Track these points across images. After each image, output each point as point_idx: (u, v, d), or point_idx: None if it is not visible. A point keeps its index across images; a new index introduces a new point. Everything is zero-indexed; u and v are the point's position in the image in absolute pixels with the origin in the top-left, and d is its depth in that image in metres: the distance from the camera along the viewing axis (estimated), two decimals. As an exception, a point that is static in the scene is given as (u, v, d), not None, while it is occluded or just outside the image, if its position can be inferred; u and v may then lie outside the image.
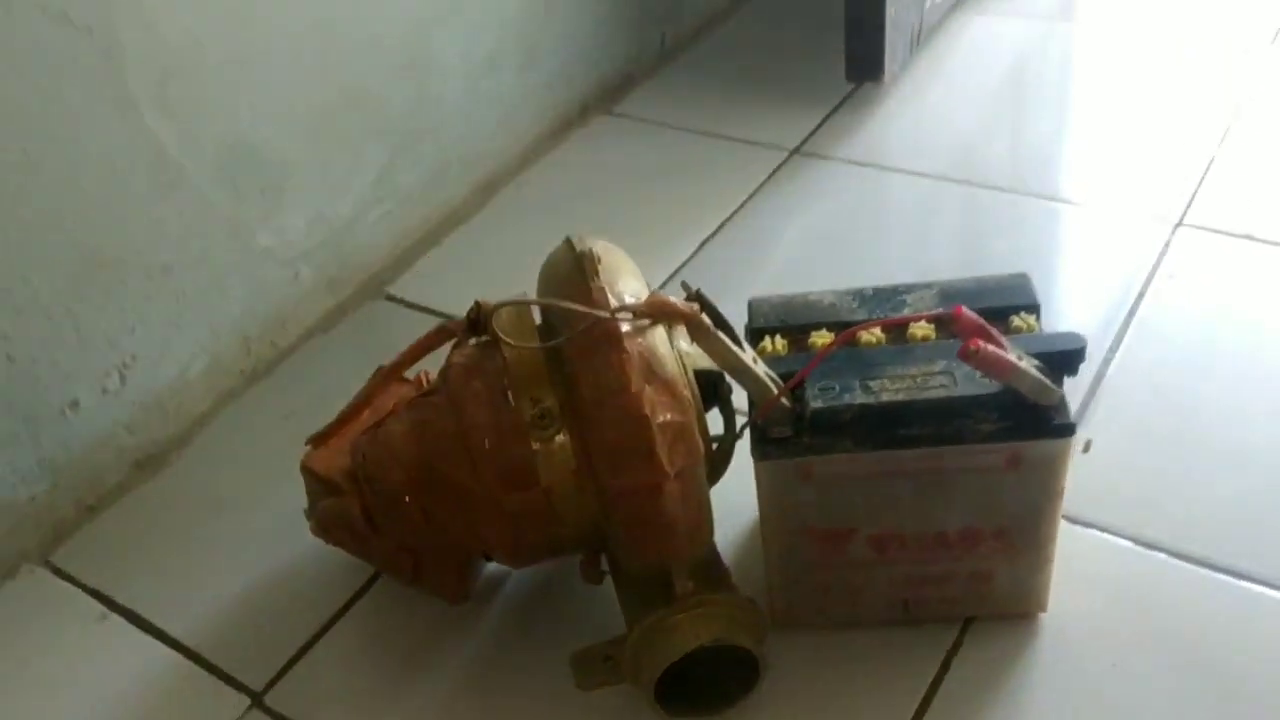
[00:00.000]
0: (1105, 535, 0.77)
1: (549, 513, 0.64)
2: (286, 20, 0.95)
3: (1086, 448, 0.83)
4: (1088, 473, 0.81)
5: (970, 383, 0.61)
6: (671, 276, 1.06)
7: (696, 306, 0.60)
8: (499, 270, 1.07)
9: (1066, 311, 0.95)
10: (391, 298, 1.09)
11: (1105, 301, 0.96)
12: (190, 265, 0.94)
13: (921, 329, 0.65)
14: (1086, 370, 0.88)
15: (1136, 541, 0.77)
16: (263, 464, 0.92)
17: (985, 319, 0.62)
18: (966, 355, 0.56)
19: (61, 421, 0.88)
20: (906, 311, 0.67)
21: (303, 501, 0.78)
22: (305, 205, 1.02)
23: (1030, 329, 0.65)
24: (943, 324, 0.63)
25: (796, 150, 1.20)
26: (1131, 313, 0.94)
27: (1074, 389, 0.87)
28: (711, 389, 0.68)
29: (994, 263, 0.96)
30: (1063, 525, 0.77)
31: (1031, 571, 0.69)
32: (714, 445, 0.68)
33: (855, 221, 1.11)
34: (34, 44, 0.78)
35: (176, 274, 0.93)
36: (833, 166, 1.17)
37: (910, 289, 0.69)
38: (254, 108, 0.95)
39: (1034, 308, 0.67)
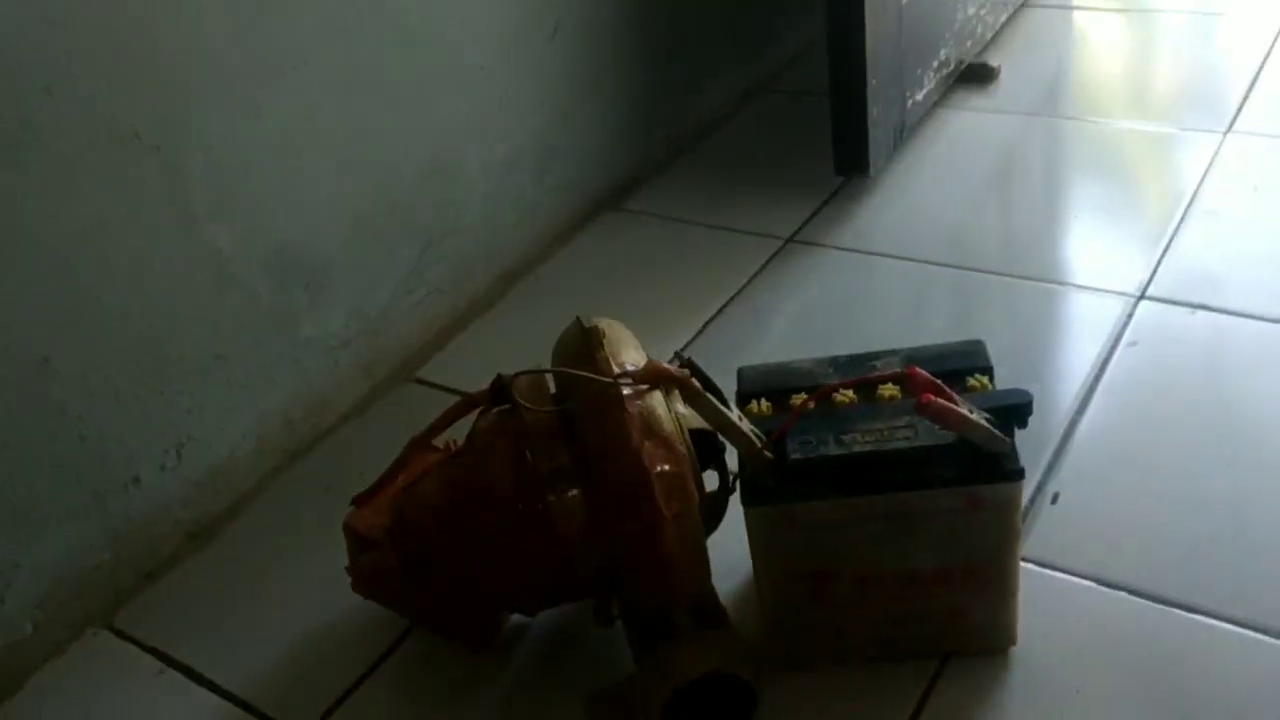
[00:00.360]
0: (1071, 578, 0.85)
1: (564, 558, 0.73)
2: (328, 136, 1.07)
3: (1055, 500, 0.91)
4: (1056, 522, 0.89)
5: (930, 435, 0.70)
6: (684, 348, 1.15)
7: (687, 372, 0.69)
8: (519, 354, 1.15)
9: (1037, 378, 1.03)
10: (421, 381, 1.19)
11: (1073, 368, 1.05)
12: (241, 355, 1.04)
13: (889, 389, 0.74)
14: (1055, 429, 0.98)
15: (1100, 582, 0.84)
16: (305, 533, 1.01)
17: (944, 380, 0.72)
18: (921, 409, 0.65)
19: (125, 496, 0.98)
20: (893, 371, 0.76)
21: (341, 565, 0.87)
22: (344, 299, 1.13)
23: (984, 388, 0.74)
24: (906, 384, 0.72)
25: (791, 239, 1.31)
26: (1097, 377, 1.03)
27: (1043, 446, 0.96)
28: (708, 448, 0.77)
29: (970, 336, 1.06)
30: (1033, 569, 0.85)
31: (1000, 608, 0.77)
32: (711, 497, 0.77)
33: (843, 302, 1.20)
34: (110, 163, 0.90)
35: (229, 363, 1.03)
36: (824, 253, 1.28)
37: (879, 356, 0.78)
38: (299, 215, 1.06)
39: (987, 369, 0.76)
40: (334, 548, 0.87)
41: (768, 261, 1.28)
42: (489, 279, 1.29)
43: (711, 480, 0.79)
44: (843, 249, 1.28)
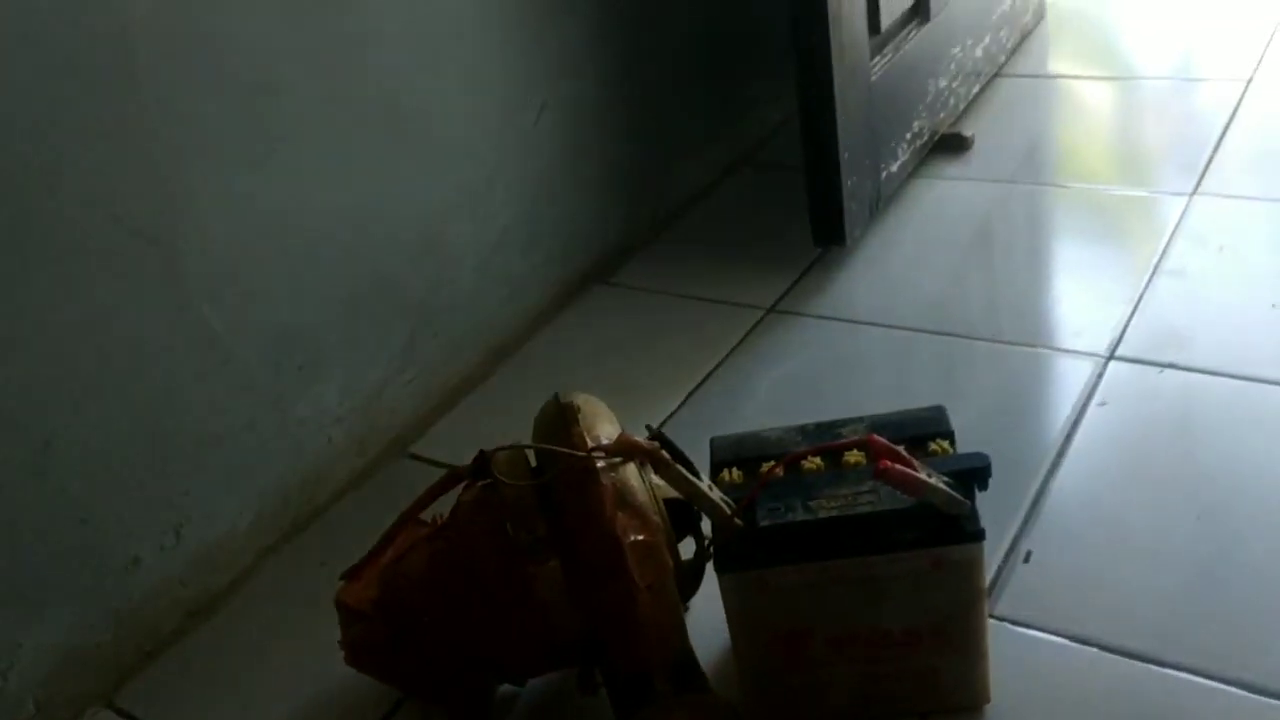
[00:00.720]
0: (1044, 635, 0.87)
1: (546, 628, 0.75)
2: (319, 219, 1.11)
3: (1027, 558, 0.94)
4: (1028, 581, 0.92)
5: (892, 499, 0.73)
6: (662, 424, 1.18)
7: (657, 444, 0.72)
8: (509, 428, 1.18)
9: (1010, 439, 1.06)
10: (414, 456, 1.22)
11: (1046, 429, 1.08)
12: (238, 434, 1.08)
13: (854, 455, 0.77)
14: (1028, 489, 1.00)
15: (1073, 639, 0.86)
16: (301, 608, 1.03)
17: (907, 445, 0.75)
18: (879, 474, 0.68)
19: (125, 576, 1.00)
20: (853, 438, 0.79)
21: (336, 639, 0.89)
22: (337, 378, 1.16)
23: (945, 453, 0.77)
24: (867, 451, 0.75)
25: (772, 309, 1.35)
26: (1069, 438, 1.06)
27: (1015, 506, 0.99)
28: (684, 516, 0.80)
29: (947, 399, 1.09)
30: (1006, 627, 0.88)
31: (970, 666, 0.79)
32: (688, 565, 0.80)
33: (823, 369, 1.24)
34: (109, 253, 0.94)
35: (226, 442, 1.07)
36: (804, 322, 1.31)
37: (845, 423, 0.81)
38: (292, 297, 1.10)
39: (948, 434, 0.79)
40: (330, 622, 0.89)
41: (749, 331, 1.31)
42: (480, 355, 1.33)
43: (690, 548, 0.82)
44: (822, 317, 1.31)
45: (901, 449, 0.73)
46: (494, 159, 1.30)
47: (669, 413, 1.20)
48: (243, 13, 1.01)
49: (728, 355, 1.28)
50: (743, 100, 1.71)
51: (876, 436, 0.71)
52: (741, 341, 1.30)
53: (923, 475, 0.70)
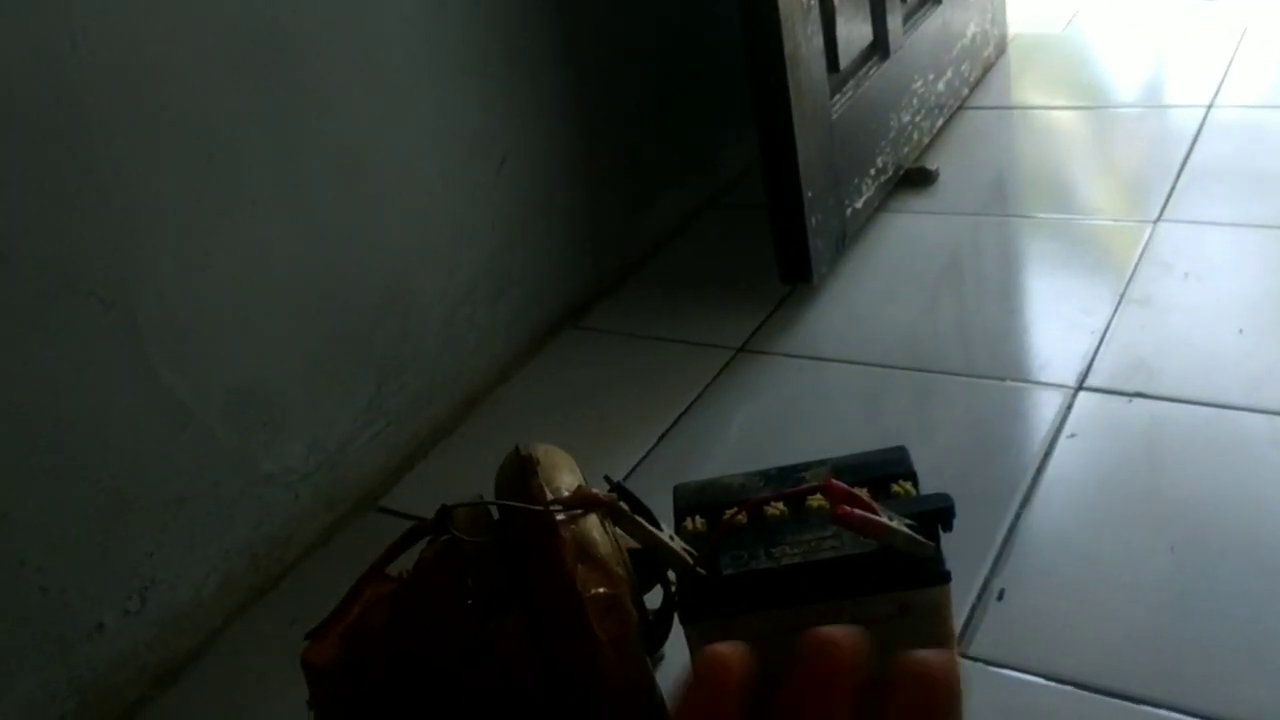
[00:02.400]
0: (1019, 674, 0.86)
1: (508, 685, 0.74)
2: (279, 276, 1.11)
3: (1001, 596, 0.93)
4: (1002, 619, 0.91)
5: (855, 544, 0.72)
6: (634, 468, 1.17)
7: (615, 495, 0.72)
8: (480, 478, 1.18)
9: (981, 474, 1.06)
10: (384, 509, 1.21)
11: (1016, 463, 1.07)
12: (202, 495, 1.06)
13: (816, 500, 0.76)
14: (1000, 525, 1.00)
15: (1047, 678, 0.85)
16: (271, 668, 1.02)
17: (870, 487, 0.74)
18: (838, 520, 0.67)
19: (88, 643, 0.99)
20: (811, 484, 0.78)
21: (306, 699, 0.88)
22: (303, 434, 1.15)
23: (908, 494, 0.76)
24: (828, 496, 0.74)
25: (741, 348, 1.34)
26: (1039, 471, 1.05)
27: (988, 543, 0.98)
28: (651, 566, 0.79)
29: (917, 435, 1.09)
30: (980, 667, 0.87)
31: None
32: (655, 615, 0.78)
33: (794, 408, 1.23)
34: (66, 320, 0.93)
35: (190, 504, 1.05)
36: (774, 361, 1.31)
37: (808, 466, 0.80)
38: (254, 355, 1.09)
39: (910, 475, 0.78)
40: (299, 682, 0.87)
41: (719, 372, 1.31)
42: (448, 406, 1.32)
43: (659, 597, 0.81)
44: (790, 355, 1.31)
45: (864, 492, 0.72)
46: (457, 210, 1.30)
47: (640, 456, 1.19)
48: (197, 73, 1.01)
49: (698, 397, 1.27)
50: (710, 142, 1.72)
51: (835, 481, 0.70)
52: (712, 382, 1.29)
53: (883, 519, 0.69)
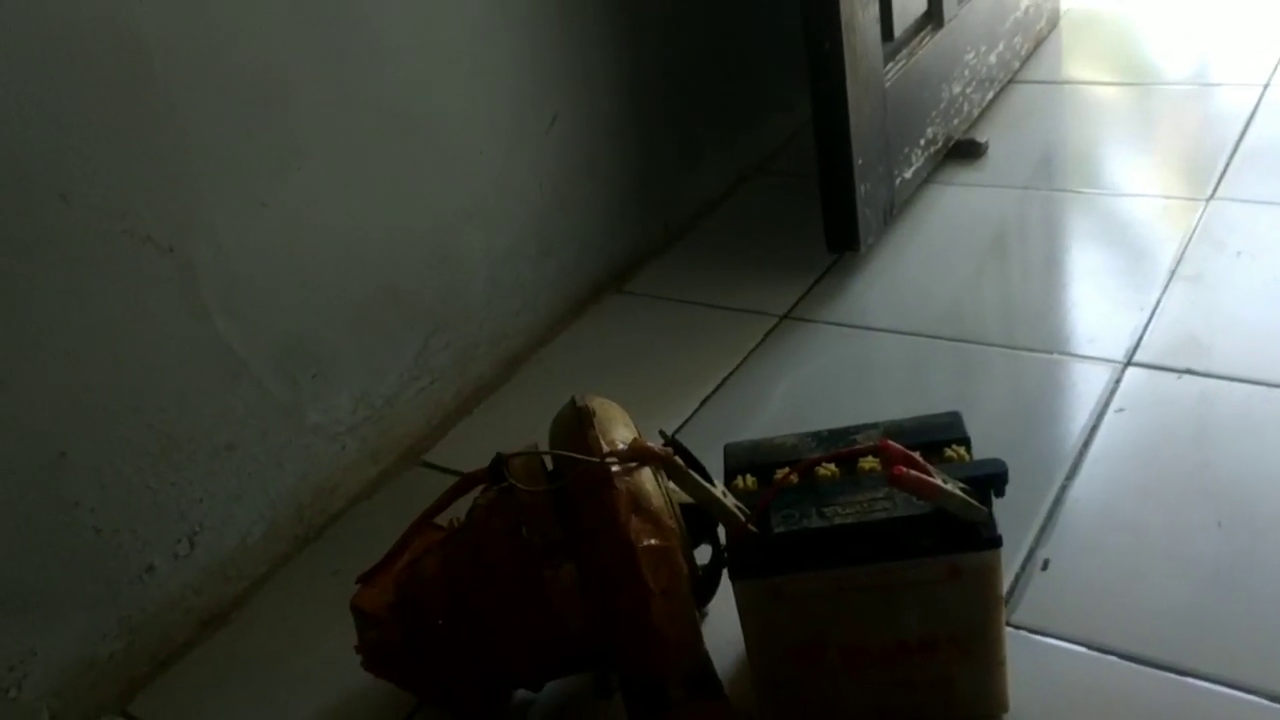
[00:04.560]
0: (1062, 643, 0.86)
1: (561, 632, 0.75)
2: (331, 229, 1.12)
3: (1045, 566, 0.93)
4: (1046, 588, 0.91)
5: (908, 505, 0.72)
6: (676, 431, 1.18)
7: (671, 450, 0.72)
8: (524, 435, 1.19)
9: (1028, 446, 1.05)
10: (428, 464, 1.22)
11: (1063, 436, 1.07)
12: (250, 444, 1.07)
13: (868, 462, 0.76)
14: (1046, 496, 1.00)
15: (1091, 647, 0.85)
16: (315, 616, 1.03)
17: (922, 451, 0.75)
18: (893, 480, 0.68)
19: (139, 585, 1.00)
20: (866, 444, 0.78)
21: (351, 645, 0.89)
22: (350, 387, 1.16)
23: (961, 459, 0.76)
24: (881, 457, 0.75)
25: (786, 315, 1.34)
26: (1086, 444, 1.05)
27: (1033, 513, 0.98)
28: (701, 523, 0.80)
29: (962, 406, 1.09)
30: (1024, 635, 0.87)
31: (987, 674, 0.78)
32: (705, 570, 0.79)
33: (838, 376, 1.23)
34: (123, 263, 0.94)
35: (239, 451, 1.07)
36: (818, 329, 1.31)
37: (860, 429, 0.80)
38: (305, 306, 1.10)
39: (964, 440, 0.78)
40: (344, 629, 0.89)
41: (764, 338, 1.31)
42: (493, 364, 1.32)
43: (707, 554, 0.81)
44: (835, 324, 1.31)
45: (917, 455, 0.73)
46: (505, 167, 1.30)
47: (684, 419, 1.20)
48: (257, 23, 1.01)
49: (742, 362, 1.27)
50: (757, 107, 1.71)
51: (890, 442, 0.70)
52: (756, 348, 1.29)
53: (938, 481, 0.69)
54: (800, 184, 1.55)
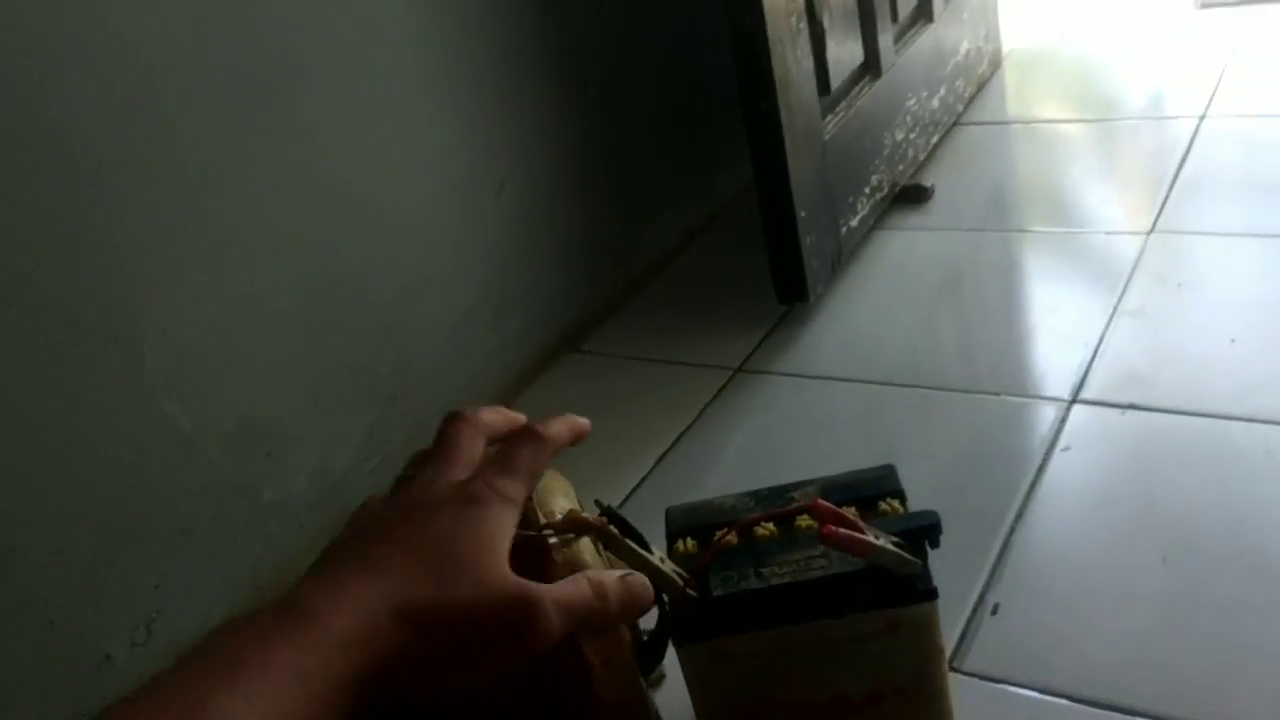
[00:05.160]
0: (1012, 689, 0.87)
1: (502, 711, 0.75)
2: (279, 306, 1.12)
3: (995, 610, 0.93)
4: (996, 634, 0.91)
5: (844, 562, 0.73)
6: (634, 489, 1.18)
7: (605, 520, 0.73)
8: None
9: (976, 490, 1.06)
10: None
11: (1011, 478, 1.08)
12: (206, 526, 1.08)
13: (805, 520, 0.77)
14: (994, 541, 1.01)
15: (1041, 691, 0.86)
16: (274, 697, 1.03)
17: (858, 506, 0.75)
18: (824, 540, 0.68)
19: (96, 676, 1.00)
20: (798, 504, 0.79)
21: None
22: (306, 464, 1.17)
23: (895, 511, 0.77)
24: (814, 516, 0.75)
25: (739, 368, 1.35)
26: (1033, 486, 1.06)
27: (983, 558, 0.99)
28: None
29: (912, 451, 1.10)
30: (975, 682, 0.87)
31: (936, 725, 0.79)
32: (650, 637, 0.79)
33: (792, 427, 1.24)
34: (69, 355, 0.95)
35: (194, 534, 1.07)
36: (771, 380, 1.32)
37: (798, 486, 0.81)
38: (256, 384, 1.11)
39: (898, 492, 0.79)
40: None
41: (718, 393, 1.32)
42: (450, 430, 1.33)
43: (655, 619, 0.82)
44: (788, 374, 1.32)
45: (851, 510, 0.74)
46: (457, 234, 1.32)
47: (640, 478, 1.20)
48: (191, 107, 1.03)
49: (697, 418, 1.29)
50: (710, 160, 1.73)
51: (821, 501, 0.71)
52: (710, 403, 1.31)
53: (869, 537, 0.70)
54: (754, 235, 1.56)
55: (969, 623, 0.92)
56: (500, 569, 0.54)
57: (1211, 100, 1.76)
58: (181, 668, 0.44)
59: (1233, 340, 1.19)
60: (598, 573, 0.63)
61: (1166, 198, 1.51)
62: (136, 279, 1.00)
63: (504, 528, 0.56)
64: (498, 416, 0.63)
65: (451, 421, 0.62)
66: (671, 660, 0.83)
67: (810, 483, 0.82)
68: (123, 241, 0.99)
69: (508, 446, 0.62)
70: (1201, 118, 1.71)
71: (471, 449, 0.60)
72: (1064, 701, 0.85)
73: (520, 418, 0.62)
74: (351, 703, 0.46)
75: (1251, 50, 1.91)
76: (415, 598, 0.50)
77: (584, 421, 0.62)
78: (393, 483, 0.59)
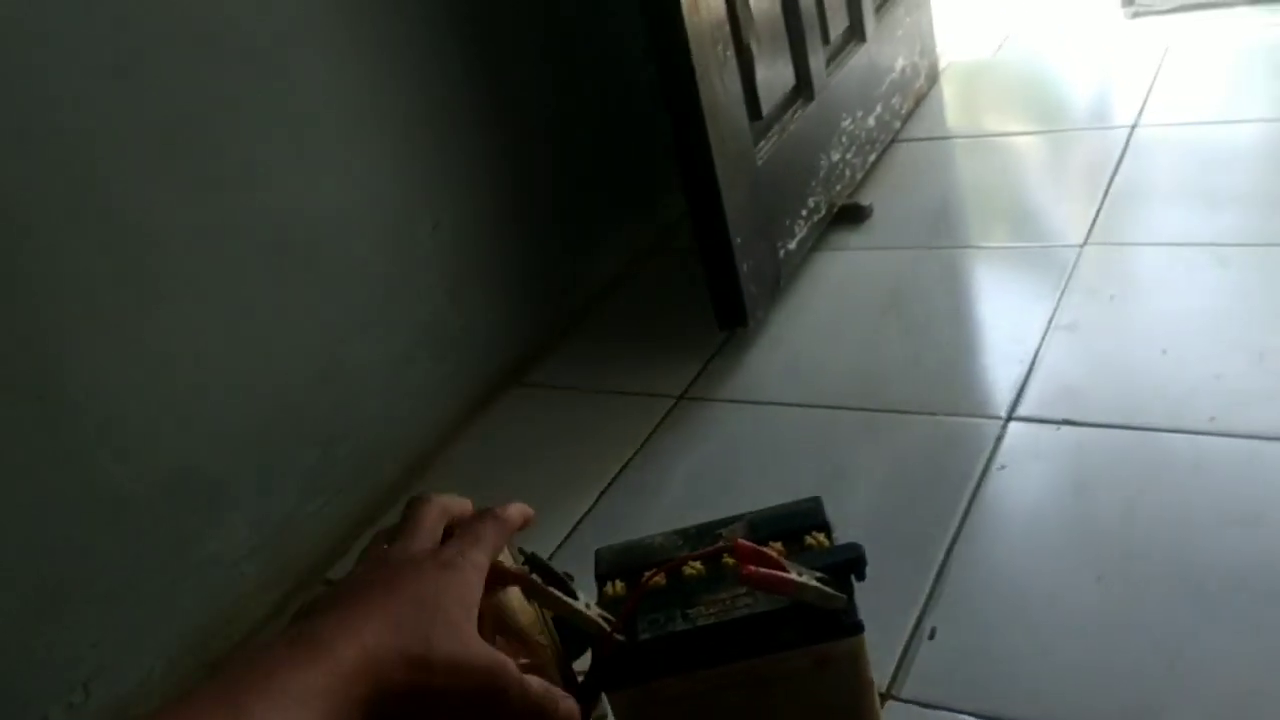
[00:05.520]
0: (950, 714, 0.87)
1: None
2: (212, 354, 1.12)
3: (932, 635, 0.94)
4: (934, 659, 0.92)
5: (769, 600, 0.73)
6: (577, 524, 1.18)
7: (527, 569, 0.72)
8: (426, 542, 1.20)
9: (913, 512, 1.07)
10: (330, 582, 1.21)
11: (948, 499, 1.08)
12: (144, 581, 1.06)
13: (731, 558, 0.77)
14: (932, 563, 1.01)
15: (978, 716, 0.86)
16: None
17: (784, 541, 0.76)
18: (744, 581, 0.69)
19: (34, 740, 0.99)
20: (720, 543, 0.79)
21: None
22: (245, 512, 1.15)
23: (821, 545, 0.77)
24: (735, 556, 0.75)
25: (682, 396, 1.36)
26: (969, 506, 1.07)
27: (920, 582, 0.99)
28: (579, 631, 0.80)
29: (853, 475, 1.11)
30: (912, 709, 0.87)
31: (872, 757, 0.79)
32: (584, 681, 0.79)
33: (735, 454, 1.25)
34: (-6, 417, 0.94)
35: (133, 590, 1.05)
36: (713, 407, 1.32)
37: (725, 523, 0.81)
38: (190, 437, 1.10)
39: (823, 526, 0.79)
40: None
41: (661, 421, 1.32)
42: (394, 472, 1.32)
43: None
44: (729, 401, 1.33)
45: (777, 547, 0.74)
46: (392, 275, 1.31)
47: (583, 513, 1.20)
48: (122, 163, 1.02)
49: (640, 448, 1.29)
50: (649, 188, 1.74)
51: (742, 541, 0.71)
52: (653, 433, 1.31)
53: (791, 575, 0.70)
54: (695, 261, 1.57)
55: (906, 649, 0.93)
56: (475, 634, 0.61)
57: (1143, 109, 1.78)
58: (210, 684, 0.48)
59: (1164, 351, 1.21)
60: (545, 686, 0.66)
61: (1100, 209, 1.53)
62: (63, 332, 0.99)
63: (475, 594, 0.63)
64: (457, 503, 0.71)
65: (416, 503, 0.69)
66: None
67: (738, 518, 0.82)
68: (46, 295, 0.98)
69: (473, 522, 0.69)
70: (1133, 127, 1.73)
71: (435, 527, 0.67)
72: (1002, 725, 0.85)
73: (469, 504, 0.71)
74: (356, 696, 0.52)
75: (1181, 57, 1.95)
76: (410, 647, 0.56)
77: (530, 510, 0.72)
78: (360, 555, 0.65)
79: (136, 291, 1.05)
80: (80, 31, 0.98)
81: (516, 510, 0.73)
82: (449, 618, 0.60)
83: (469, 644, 0.60)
